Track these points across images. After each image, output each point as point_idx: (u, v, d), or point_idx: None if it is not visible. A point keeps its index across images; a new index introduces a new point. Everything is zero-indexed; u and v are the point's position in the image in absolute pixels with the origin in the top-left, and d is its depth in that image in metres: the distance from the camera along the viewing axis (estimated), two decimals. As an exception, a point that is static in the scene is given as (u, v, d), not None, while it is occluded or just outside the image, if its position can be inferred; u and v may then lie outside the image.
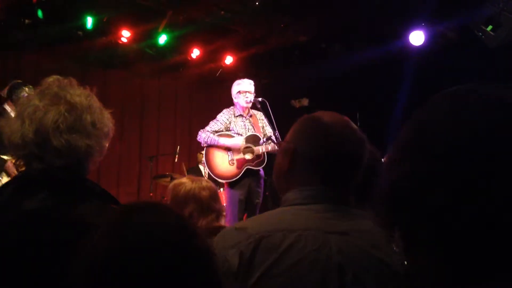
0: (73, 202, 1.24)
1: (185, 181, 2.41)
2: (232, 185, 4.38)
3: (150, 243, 0.81)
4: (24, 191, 1.24)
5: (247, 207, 4.38)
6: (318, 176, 1.25)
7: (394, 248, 1.14)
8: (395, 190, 0.59)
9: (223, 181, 4.43)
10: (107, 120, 1.40)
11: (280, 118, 4.41)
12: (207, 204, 2.34)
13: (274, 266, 1.12)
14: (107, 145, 1.41)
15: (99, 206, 1.25)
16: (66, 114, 1.29)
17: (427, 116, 0.60)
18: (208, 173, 4.46)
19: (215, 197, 2.38)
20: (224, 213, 2.58)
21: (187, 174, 6.44)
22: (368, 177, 1.31)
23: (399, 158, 0.60)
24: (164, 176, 6.25)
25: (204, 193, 2.36)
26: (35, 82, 1.46)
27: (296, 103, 8.53)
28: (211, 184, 2.46)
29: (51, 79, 1.40)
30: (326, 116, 1.31)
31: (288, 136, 1.35)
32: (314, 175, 1.25)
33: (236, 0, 5.93)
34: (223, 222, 2.41)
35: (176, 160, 6.59)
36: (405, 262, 0.66)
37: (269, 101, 4.49)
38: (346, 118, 1.32)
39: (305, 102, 8.44)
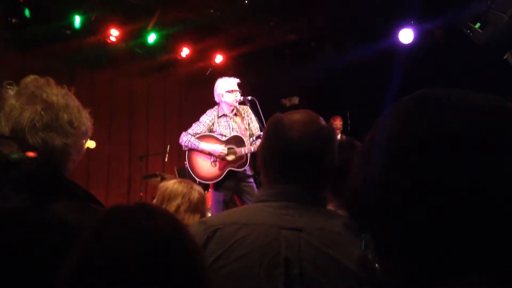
0: (50, 201, 1.22)
1: (176, 181, 2.50)
2: (216, 186, 4.38)
3: (134, 248, 0.80)
4: (0, 190, 1.22)
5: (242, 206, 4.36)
6: (281, 174, 1.27)
7: (368, 253, 1.14)
8: (358, 196, 0.59)
9: (206, 182, 4.42)
10: (85, 119, 1.39)
11: (270, 117, 4.38)
12: (195, 204, 2.41)
13: (223, 257, 1.15)
14: (85, 144, 1.40)
15: (77, 205, 1.23)
16: (42, 112, 1.28)
17: (384, 122, 0.61)
18: (191, 174, 4.44)
19: (203, 200, 2.48)
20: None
21: (177, 174, 6.42)
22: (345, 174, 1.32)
23: (361, 164, 0.60)
24: (154, 175, 6.22)
25: (195, 194, 2.44)
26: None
27: (286, 102, 8.54)
28: (201, 189, 2.53)
29: (29, 79, 1.39)
30: (292, 114, 1.33)
31: (262, 136, 1.40)
32: (278, 173, 1.28)
33: (225, -2, 5.92)
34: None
35: (166, 160, 6.56)
36: (376, 265, 0.67)
37: (259, 100, 4.47)
38: (314, 116, 1.33)
39: (295, 100, 8.46)
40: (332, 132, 1.32)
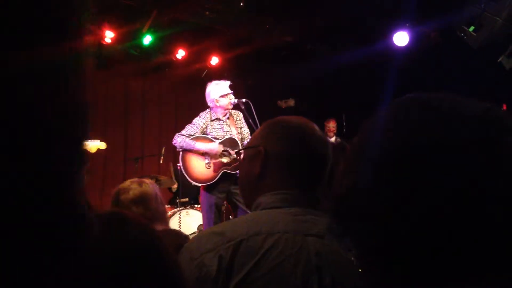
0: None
1: (121, 184, 2.32)
2: (208, 188, 4.32)
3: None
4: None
5: (232, 209, 4.34)
6: (292, 179, 1.23)
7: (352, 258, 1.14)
8: (342, 201, 0.59)
9: (199, 185, 4.38)
10: None
11: (266, 119, 4.36)
12: (125, 208, 2.18)
13: (254, 270, 1.09)
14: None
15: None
16: None
17: (368, 128, 0.61)
18: (185, 176, 4.41)
19: (138, 200, 2.24)
20: (163, 217, 2.41)
21: (173, 176, 6.40)
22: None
23: (346, 169, 0.60)
24: (150, 177, 6.20)
25: (125, 196, 2.23)
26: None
27: (282, 104, 8.54)
28: (145, 185, 2.31)
29: None
30: (294, 119, 1.30)
31: (254, 141, 1.32)
32: (289, 178, 1.23)
33: (220, 0, 5.91)
34: (158, 226, 2.22)
35: (161, 162, 6.54)
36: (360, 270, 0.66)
37: (255, 101, 4.45)
38: (308, 120, 1.31)
39: (291, 102, 8.46)
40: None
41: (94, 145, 4.50)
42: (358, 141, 0.61)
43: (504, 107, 5.93)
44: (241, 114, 4.48)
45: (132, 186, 2.29)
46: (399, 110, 0.58)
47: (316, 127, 1.30)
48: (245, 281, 1.08)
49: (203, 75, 7.70)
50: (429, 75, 6.10)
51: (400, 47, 6.30)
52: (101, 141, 4.96)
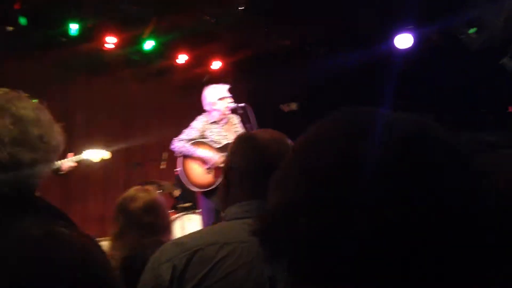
0: (16, 217, 1.20)
1: (126, 193, 2.27)
2: (208, 194, 4.30)
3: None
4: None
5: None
6: (252, 191, 1.28)
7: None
8: (271, 221, 0.55)
9: (198, 190, 4.36)
10: (56, 133, 1.36)
11: (268, 123, 4.34)
12: (136, 217, 2.16)
13: (207, 278, 1.13)
14: (55, 159, 1.37)
15: (43, 223, 1.21)
16: (11, 127, 1.26)
17: (299, 142, 0.59)
18: (184, 181, 4.39)
19: (149, 209, 2.19)
20: (171, 227, 2.39)
21: (176, 181, 6.39)
22: None
23: (276, 185, 0.57)
24: (151, 183, 6.19)
25: (134, 205, 2.19)
26: (18, 90, 1.44)
27: (285, 108, 8.53)
28: (152, 193, 2.29)
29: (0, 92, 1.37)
30: (261, 133, 1.38)
31: (226, 156, 1.42)
32: (250, 190, 1.29)
33: (219, 5, 5.91)
34: (165, 237, 2.19)
35: (164, 167, 6.53)
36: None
37: (256, 106, 4.42)
38: (281, 135, 1.38)
39: (293, 106, 8.44)
40: None
41: (98, 155, 4.49)
42: (290, 154, 0.59)
43: (510, 109, 5.88)
44: (237, 119, 4.45)
45: (140, 194, 2.26)
46: (323, 127, 0.57)
47: (286, 141, 1.36)
48: None
49: (204, 80, 7.70)
50: (430, 77, 6.05)
51: (402, 50, 6.26)
52: (105, 146, 4.99)
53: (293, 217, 0.51)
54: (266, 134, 1.37)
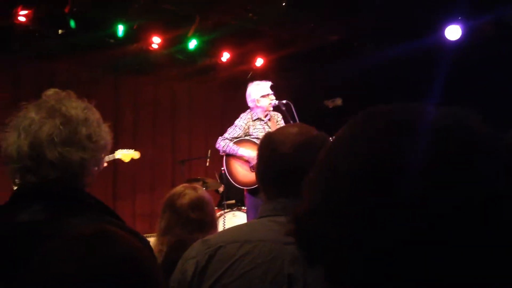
0: (66, 215, 1.22)
1: (174, 189, 2.32)
2: (253, 192, 4.29)
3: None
4: (17, 204, 1.24)
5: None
6: (280, 188, 1.27)
7: None
8: (302, 226, 0.53)
9: (244, 188, 4.37)
10: (104, 133, 1.38)
11: (313, 119, 4.30)
12: (183, 213, 2.20)
13: (226, 275, 1.15)
14: (104, 157, 1.40)
15: (92, 220, 1.23)
16: (61, 127, 1.28)
17: (331, 144, 0.56)
18: (229, 179, 4.42)
19: (195, 205, 2.23)
20: (217, 224, 2.41)
21: (218, 179, 6.44)
22: None
23: (307, 190, 0.55)
24: (196, 180, 6.26)
25: (181, 201, 2.22)
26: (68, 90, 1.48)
27: (329, 103, 8.41)
28: (199, 190, 2.32)
29: (50, 92, 1.40)
30: (283, 129, 1.40)
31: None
32: (277, 188, 1.29)
33: (263, 2, 5.89)
34: (210, 234, 2.16)
35: (207, 164, 6.59)
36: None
37: (300, 102, 4.40)
38: (306, 127, 1.34)
39: (338, 102, 8.31)
40: (326, 141, 1.30)
41: (128, 154, 4.59)
42: (320, 158, 0.56)
43: None
44: (280, 116, 4.45)
45: (187, 191, 2.30)
46: (356, 128, 0.54)
47: (311, 132, 1.32)
48: (215, 286, 1.15)
49: (248, 77, 7.71)
50: (481, 70, 5.80)
51: (452, 42, 6.03)
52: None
53: (339, 220, 0.49)
54: (288, 129, 1.37)
